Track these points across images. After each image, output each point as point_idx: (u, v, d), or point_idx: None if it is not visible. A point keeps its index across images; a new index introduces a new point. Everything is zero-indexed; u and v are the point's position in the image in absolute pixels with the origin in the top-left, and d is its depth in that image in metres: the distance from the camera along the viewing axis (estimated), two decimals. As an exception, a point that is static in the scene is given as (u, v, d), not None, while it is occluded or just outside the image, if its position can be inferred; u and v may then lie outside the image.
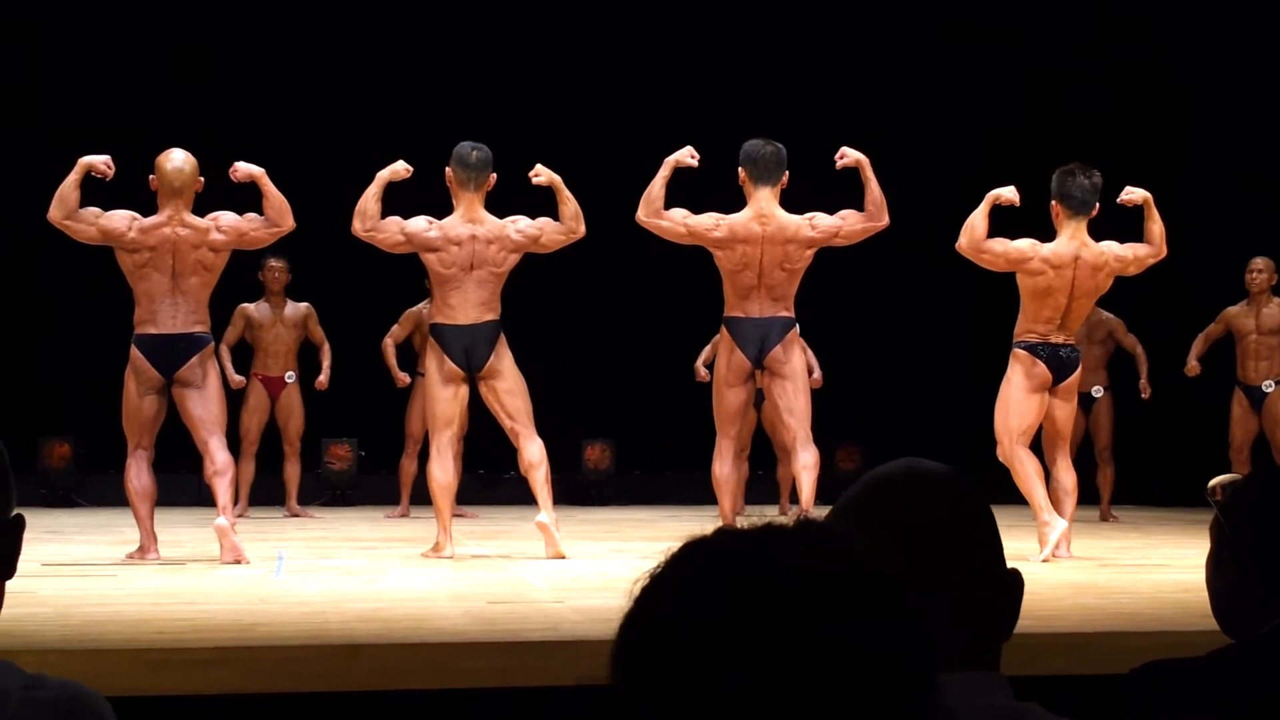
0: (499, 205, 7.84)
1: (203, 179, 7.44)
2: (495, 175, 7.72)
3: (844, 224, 7.80)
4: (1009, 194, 7.71)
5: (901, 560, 1.51)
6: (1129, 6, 12.77)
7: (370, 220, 7.63)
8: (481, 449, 10.66)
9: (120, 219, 7.35)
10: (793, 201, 7.86)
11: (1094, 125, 12.44)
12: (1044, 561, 7.29)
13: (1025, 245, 7.71)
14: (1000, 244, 7.71)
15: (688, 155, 7.83)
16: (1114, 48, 12.78)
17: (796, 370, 7.84)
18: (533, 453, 7.66)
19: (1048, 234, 7.77)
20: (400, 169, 7.71)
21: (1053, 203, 7.74)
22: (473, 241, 7.64)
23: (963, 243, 7.72)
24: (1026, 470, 7.56)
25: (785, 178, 7.79)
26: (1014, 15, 12.75)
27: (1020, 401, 7.69)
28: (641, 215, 7.81)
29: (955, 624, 1.54)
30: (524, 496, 8.40)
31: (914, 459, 1.67)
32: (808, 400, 7.87)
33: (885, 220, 7.78)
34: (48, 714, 1.53)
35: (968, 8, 12.87)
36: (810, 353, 9.83)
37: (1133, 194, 7.87)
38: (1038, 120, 12.46)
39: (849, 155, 7.83)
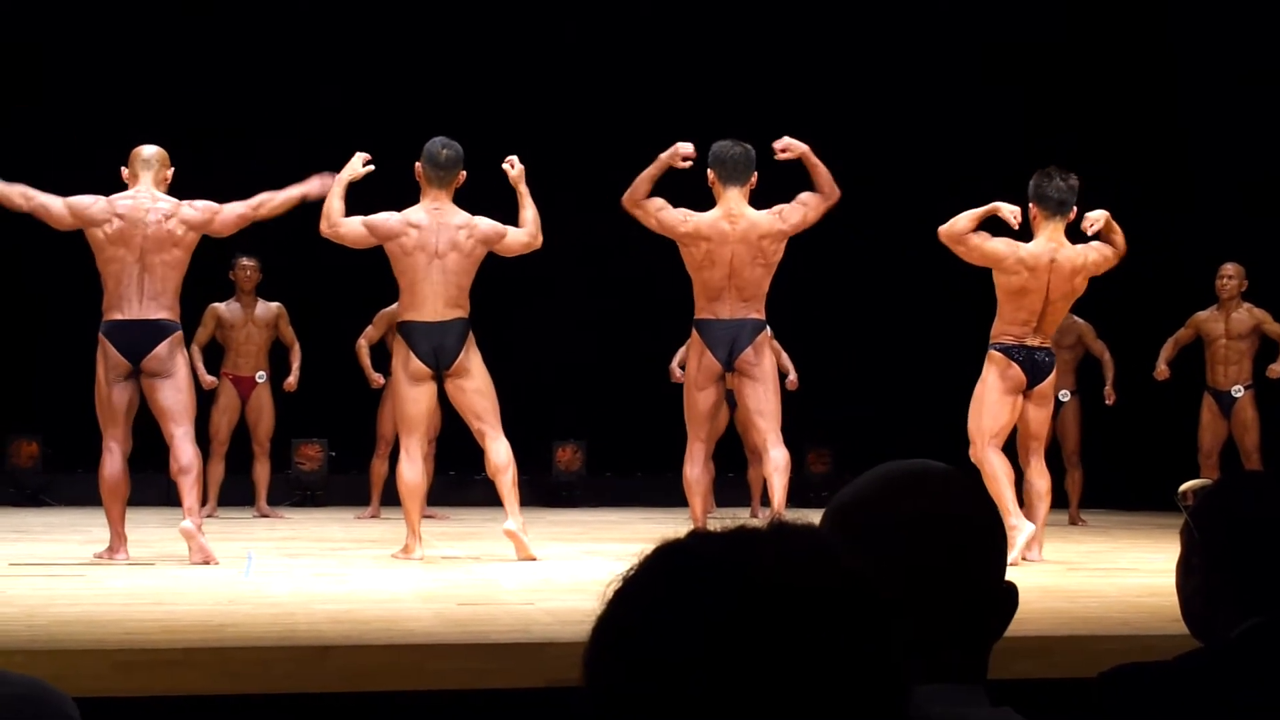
0: (468, 206, 7.81)
1: (172, 169, 7.49)
2: (465, 173, 7.70)
3: (807, 208, 7.86)
4: (1010, 211, 7.70)
5: (901, 561, 1.50)
6: (1129, 6, 12.81)
7: (334, 218, 7.62)
8: (452, 450, 10.64)
9: (87, 196, 7.39)
10: (765, 202, 7.89)
11: (1092, 126, 12.50)
12: (1011, 565, 7.30)
13: (1002, 244, 7.71)
14: (979, 238, 7.70)
15: (679, 157, 7.87)
16: (1113, 48, 12.82)
17: (767, 372, 7.86)
18: (500, 454, 7.61)
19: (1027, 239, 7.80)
20: (358, 166, 7.68)
21: (1030, 205, 7.75)
22: (437, 227, 7.61)
23: (944, 229, 7.68)
24: (997, 472, 7.57)
25: (754, 178, 7.84)
26: (1009, 17, 12.78)
27: (994, 403, 7.70)
28: (624, 200, 7.94)
29: (946, 631, 1.52)
30: (495, 498, 8.37)
31: (924, 460, 1.64)
32: (778, 401, 7.90)
33: (838, 193, 7.87)
34: (11, 711, 1.51)
35: (957, 12, 12.89)
36: (785, 355, 9.85)
37: (1094, 219, 7.82)
38: (1025, 127, 12.48)
39: (792, 147, 7.88)
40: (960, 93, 12.81)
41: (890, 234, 12.09)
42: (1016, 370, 7.71)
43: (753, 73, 12.73)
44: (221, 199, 7.52)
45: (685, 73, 12.69)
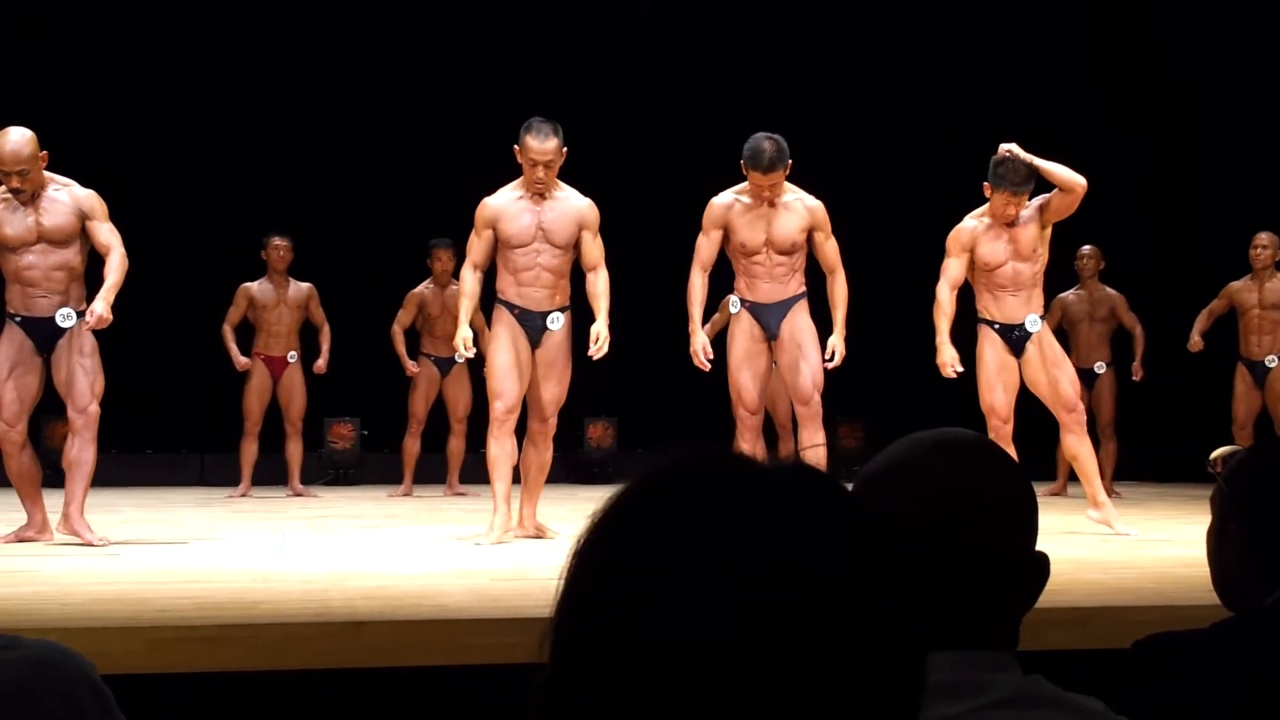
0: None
1: (45, 152, 6.98)
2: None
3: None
4: None
5: (930, 532, 1.49)
6: (1130, 6, 12.76)
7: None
8: (479, 428, 10.66)
9: None
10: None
11: (1096, 120, 12.44)
12: (1124, 535, 7.60)
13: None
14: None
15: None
16: (1115, 46, 12.77)
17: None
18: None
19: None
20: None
21: (986, 185, 7.97)
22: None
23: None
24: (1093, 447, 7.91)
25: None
26: (1008, 17, 12.74)
27: None
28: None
29: (976, 600, 1.51)
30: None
31: (954, 429, 1.63)
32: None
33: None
34: (23, 672, 1.49)
35: (957, 12, 12.85)
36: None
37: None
38: (1038, 117, 12.44)
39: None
40: (961, 93, 12.76)
41: (893, 235, 12.08)
42: None
43: (753, 73, 12.68)
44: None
45: (685, 73, 12.64)
